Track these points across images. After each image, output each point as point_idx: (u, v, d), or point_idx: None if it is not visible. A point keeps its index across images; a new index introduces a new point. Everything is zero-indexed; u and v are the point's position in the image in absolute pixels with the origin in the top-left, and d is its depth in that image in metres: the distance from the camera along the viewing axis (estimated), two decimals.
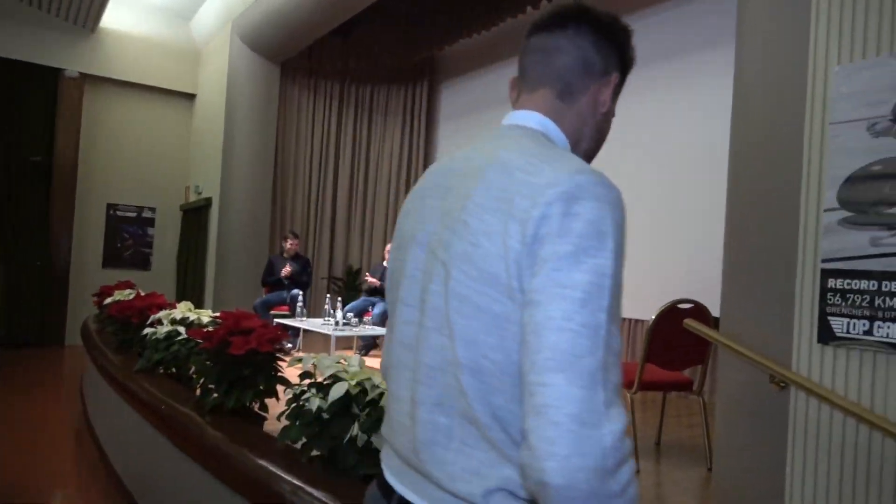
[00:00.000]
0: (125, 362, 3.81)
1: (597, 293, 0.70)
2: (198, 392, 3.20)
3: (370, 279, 6.49)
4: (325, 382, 2.40)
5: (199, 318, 3.85)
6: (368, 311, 6.33)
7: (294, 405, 2.46)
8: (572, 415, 0.66)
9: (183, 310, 3.94)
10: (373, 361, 6.11)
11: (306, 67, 8.47)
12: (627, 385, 3.21)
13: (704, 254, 5.08)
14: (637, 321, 5.55)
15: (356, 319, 5.25)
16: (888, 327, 2.05)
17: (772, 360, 2.33)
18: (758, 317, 2.44)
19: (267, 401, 3.09)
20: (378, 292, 6.56)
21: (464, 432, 0.80)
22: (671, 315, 3.11)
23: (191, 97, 8.91)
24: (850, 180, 2.18)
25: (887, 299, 2.06)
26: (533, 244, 0.73)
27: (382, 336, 6.11)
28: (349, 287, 8.28)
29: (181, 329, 3.77)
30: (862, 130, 2.16)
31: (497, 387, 0.76)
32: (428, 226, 0.88)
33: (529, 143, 0.86)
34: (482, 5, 7.00)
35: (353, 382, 2.27)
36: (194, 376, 3.89)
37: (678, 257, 5.37)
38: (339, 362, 2.46)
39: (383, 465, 0.95)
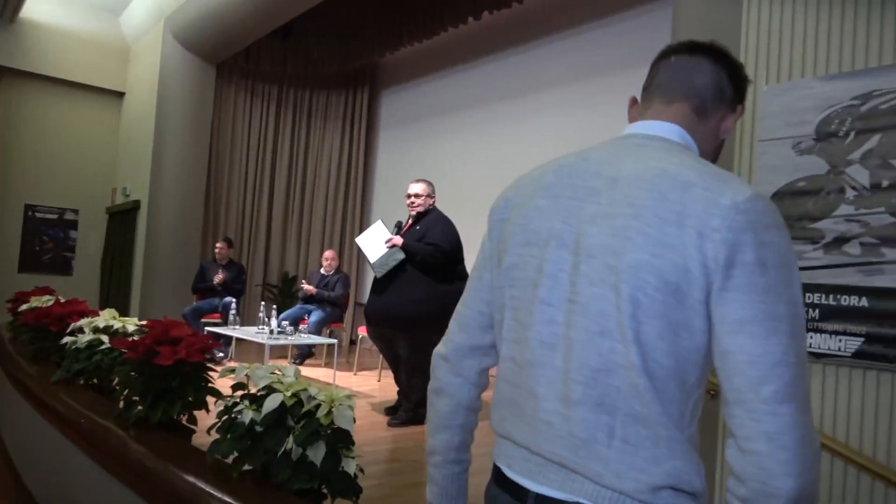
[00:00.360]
0: (41, 373, 3.59)
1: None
2: (121, 405, 3.04)
3: (307, 287, 6.36)
4: (258, 394, 2.32)
5: (123, 327, 3.67)
6: (304, 319, 6.18)
7: (225, 418, 2.36)
8: (802, 439, 0.77)
9: (106, 317, 3.73)
10: (309, 371, 5.98)
11: (243, 69, 8.27)
12: None
13: None
14: None
15: (292, 328, 5.12)
16: (811, 337, 2.14)
17: None
18: None
19: (196, 413, 2.97)
20: (314, 300, 6.44)
21: (626, 431, 0.84)
22: None
23: (119, 95, 8.54)
24: (777, 195, 2.27)
25: (810, 311, 2.15)
26: (728, 268, 0.79)
27: (318, 345, 5.99)
28: (284, 294, 8.09)
29: (104, 338, 3.58)
30: (787, 148, 2.27)
31: (663, 389, 0.83)
32: (573, 226, 0.90)
33: (690, 160, 0.88)
34: (424, 14, 7.01)
35: (289, 394, 2.20)
36: (117, 388, 3.70)
37: None
38: (273, 373, 2.39)
39: (504, 467, 0.97)
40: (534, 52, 6.59)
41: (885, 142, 2.04)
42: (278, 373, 2.38)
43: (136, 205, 7.60)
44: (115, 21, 8.41)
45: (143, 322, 3.80)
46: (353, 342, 7.62)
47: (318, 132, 8.59)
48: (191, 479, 2.18)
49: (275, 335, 4.94)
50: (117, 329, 3.68)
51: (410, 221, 4.28)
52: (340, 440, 2.16)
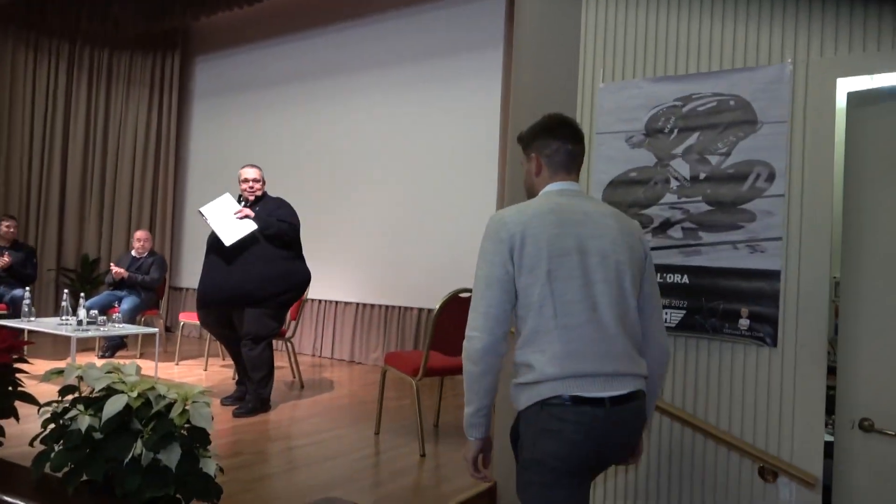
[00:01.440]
0: None
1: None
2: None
3: (116, 269, 5.74)
4: (94, 396, 2.07)
5: None
6: (115, 306, 5.59)
7: (53, 426, 2.08)
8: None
9: None
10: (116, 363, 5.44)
11: (25, 19, 7.13)
12: (413, 372, 3.32)
13: (469, 246, 5.46)
14: (422, 310, 5.78)
15: (103, 318, 4.59)
16: None
17: None
18: None
19: (3, 423, 2.57)
20: (125, 285, 5.84)
21: (636, 349, 1.66)
22: (452, 304, 3.28)
23: None
24: (612, 184, 2.51)
25: None
26: (649, 260, 1.76)
27: (132, 335, 5.47)
28: (84, 280, 7.24)
29: None
30: (621, 141, 2.51)
31: (637, 321, 1.70)
32: (581, 242, 1.63)
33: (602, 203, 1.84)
34: None
35: (134, 394, 2.00)
36: None
37: (451, 250, 5.69)
38: (110, 372, 2.15)
39: (577, 392, 1.55)
40: (361, 29, 6.51)
41: (702, 139, 2.34)
42: (117, 372, 2.15)
43: None
44: None
45: None
46: (168, 329, 7.06)
47: (120, 98, 7.71)
48: (12, 499, 1.91)
49: (84, 327, 4.40)
50: None
51: (246, 206, 4.08)
52: (198, 440, 2.01)
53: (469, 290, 3.44)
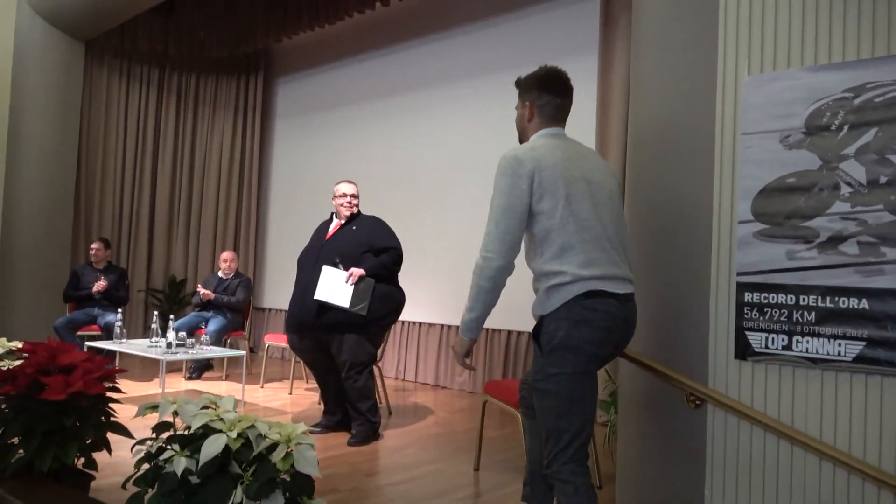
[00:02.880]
0: None
1: None
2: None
3: (203, 291, 5.72)
4: (190, 434, 1.88)
5: None
6: (201, 328, 5.56)
7: (148, 467, 1.90)
8: None
9: None
10: (209, 385, 5.39)
11: (118, 48, 7.37)
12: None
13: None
14: (511, 332, 5.48)
15: (191, 340, 4.53)
16: (807, 342, 2.04)
17: (685, 376, 2.25)
18: (668, 332, 2.36)
19: (96, 455, 2.45)
20: (211, 306, 5.82)
21: (626, 260, 2.08)
22: None
23: None
24: (765, 192, 2.15)
25: (805, 314, 2.05)
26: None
27: (220, 357, 5.41)
28: (172, 301, 7.32)
29: None
30: (775, 142, 2.15)
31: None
32: (585, 173, 2.02)
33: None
34: (319, 0, 6.56)
35: (234, 434, 1.79)
36: None
37: None
38: (207, 406, 1.96)
39: (602, 288, 1.94)
40: (438, 43, 6.33)
41: (882, 136, 1.96)
42: (214, 406, 1.96)
43: None
44: None
45: (16, 344, 3.15)
46: (251, 350, 7.02)
47: (206, 121, 7.84)
48: None
49: (173, 349, 4.33)
50: None
51: (340, 222, 3.92)
52: (302, 487, 1.79)
53: None
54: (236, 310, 5.82)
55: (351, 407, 3.76)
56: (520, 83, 2.21)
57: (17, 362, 3.21)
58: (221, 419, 1.84)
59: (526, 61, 5.62)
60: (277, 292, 7.51)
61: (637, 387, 2.48)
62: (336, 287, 3.65)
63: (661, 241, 2.41)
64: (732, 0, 2.28)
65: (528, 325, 5.32)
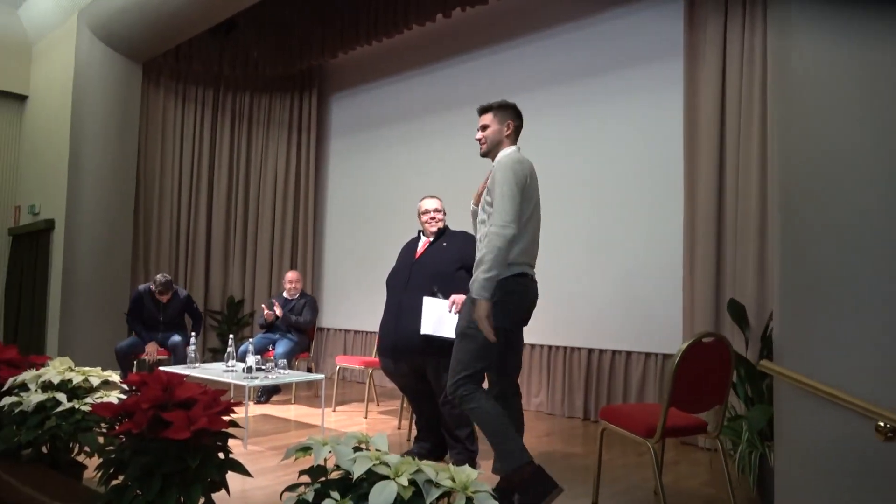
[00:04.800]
0: None
1: None
2: (102, 489, 2.28)
3: (268, 312, 5.58)
4: (349, 477, 1.69)
5: (86, 380, 2.86)
6: (269, 350, 5.42)
7: None
8: None
9: (59, 369, 2.91)
10: (277, 409, 5.23)
11: (173, 69, 7.34)
12: (646, 432, 2.78)
13: (650, 280, 4.88)
14: (592, 351, 5.22)
15: (270, 364, 4.36)
16: None
17: (871, 404, 2.01)
18: (842, 352, 2.12)
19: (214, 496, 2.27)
20: (277, 327, 5.67)
21: None
22: (696, 351, 2.73)
23: (20, 99, 7.39)
24: None
25: None
26: None
27: (291, 382, 5.25)
28: (230, 321, 7.21)
29: (61, 396, 2.77)
30: None
31: None
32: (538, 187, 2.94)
33: None
34: (384, 11, 6.43)
35: (403, 481, 1.59)
36: (78, 461, 2.90)
37: (627, 282, 5.14)
38: (360, 446, 1.77)
39: (531, 271, 2.95)
40: (498, 54, 6.16)
41: None
42: (367, 446, 1.77)
43: (48, 224, 6.53)
44: (14, 14, 7.27)
45: (111, 374, 3.01)
46: (309, 371, 6.85)
47: (260, 140, 7.76)
48: None
49: (252, 374, 4.17)
50: (77, 385, 2.88)
51: (429, 240, 3.74)
52: None
53: (710, 335, 2.90)
54: (303, 330, 5.67)
55: (448, 434, 3.55)
56: (493, 106, 2.95)
57: (113, 392, 3.08)
58: (385, 463, 1.64)
59: (603, 68, 5.40)
60: (336, 312, 7.36)
61: (796, 419, 2.23)
62: (440, 318, 3.44)
63: (821, 249, 2.17)
64: None
65: (616, 343, 4.98)
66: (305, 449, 1.75)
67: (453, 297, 3.44)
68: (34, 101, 7.27)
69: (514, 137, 2.92)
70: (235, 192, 7.62)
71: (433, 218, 3.71)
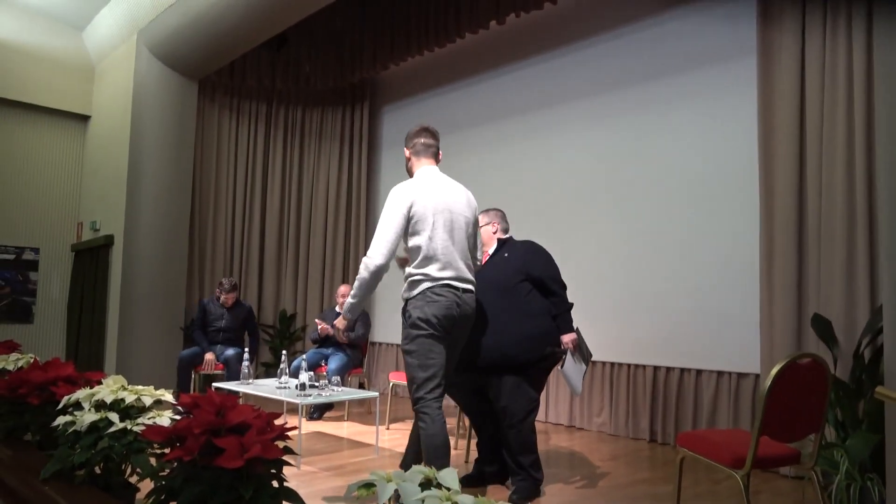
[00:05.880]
0: (21, 461, 2.67)
1: None
2: None
3: (322, 325, 5.50)
4: None
5: (138, 399, 2.79)
6: (322, 365, 5.33)
7: None
8: None
9: (113, 388, 2.85)
10: (329, 427, 5.13)
11: (227, 85, 7.42)
12: (734, 462, 2.53)
13: (719, 292, 4.59)
14: (658, 368, 4.95)
15: (324, 381, 4.25)
16: None
17: None
18: None
19: None
20: (329, 342, 5.59)
21: (468, 268, 3.08)
22: (789, 374, 2.47)
23: (83, 119, 7.59)
24: None
25: None
26: (475, 222, 3.22)
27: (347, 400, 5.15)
28: (283, 336, 7.19)
29: (113, 416, 2.70)
30: None
31: None
32: (453, 205, 3.03)
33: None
34: (435, 20, 6.34)
35: None
36: (132, 481, 2.83)
37: (693, 295, 4.86)
38: (427, 483, 1.60)
39: (449, 281, 2.96)
40: (555, 60, 5.98)
41: None
42: (434, 481, 1.60)
43: (108, 240, 6.64)
44: (78, 37, 7.49)
45: (163, 393, 2.94)
46: (361, 386, 6.75)
47: (312, 153, 7.77)
48: None
49: (306, 391, 4.07)
50: (130, 404, 2.81)
51: (489, 251, 3.60)
52: None
53: (807, 355, 2.63)
54: (356, 345, 5.56)
55: (511, 460, 3.35)
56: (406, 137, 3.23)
57: (166, 413, 3.01)
58: (455, 502, 1.48)
59: (667, 70, 5.16)
60: (388, 327, 7.25)
61: None
62: (573, 365, 3.54)
63: None
64: None
65: (686, 361, 4.70)
66: (368, 486, 1.60)
67: (564, 340, 3.46)
68: (96, 121, 7.46)
69: (422, 160, 3.15)
70: (288, 206, 7.63)
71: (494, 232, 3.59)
